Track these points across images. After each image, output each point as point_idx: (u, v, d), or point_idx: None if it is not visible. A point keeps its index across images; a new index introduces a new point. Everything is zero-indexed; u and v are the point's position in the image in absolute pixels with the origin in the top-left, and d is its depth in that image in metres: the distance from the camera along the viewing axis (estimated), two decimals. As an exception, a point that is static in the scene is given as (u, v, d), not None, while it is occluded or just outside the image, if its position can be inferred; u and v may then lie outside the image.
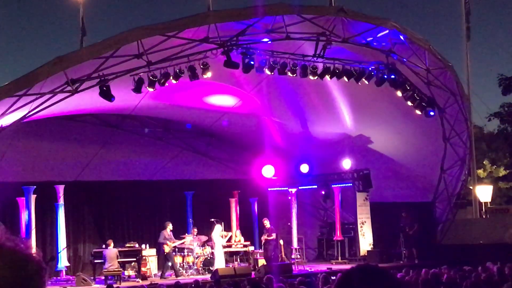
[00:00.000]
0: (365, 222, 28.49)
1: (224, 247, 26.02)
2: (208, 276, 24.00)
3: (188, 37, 19.65)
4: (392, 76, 23.57)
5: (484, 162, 39.99)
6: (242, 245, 27.30)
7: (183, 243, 25.69)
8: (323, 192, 30.69)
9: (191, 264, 25.57)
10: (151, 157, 29.20)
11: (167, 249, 24.97)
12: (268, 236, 26.09)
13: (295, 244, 28.76)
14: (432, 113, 25.00)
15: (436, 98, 25.41)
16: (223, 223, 26.50)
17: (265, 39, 21.34)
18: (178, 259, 25.47)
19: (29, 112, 19.46)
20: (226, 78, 23.03)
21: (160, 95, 23.63)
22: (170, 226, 25.37)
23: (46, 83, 18.49)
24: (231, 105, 26.67)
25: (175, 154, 29.85)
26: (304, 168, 30.20)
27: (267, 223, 26.48)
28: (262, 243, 26.49)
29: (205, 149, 30.81)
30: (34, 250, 2.33)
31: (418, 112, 24.73)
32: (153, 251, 26.14)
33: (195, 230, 26.08)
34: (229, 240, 26.97)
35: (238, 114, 27.61)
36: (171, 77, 20.29)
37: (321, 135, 29.13)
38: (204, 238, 26.09)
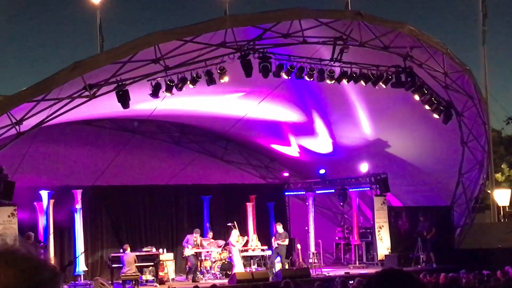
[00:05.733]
0: (382, 226, 28.36)
1: (241, 251, 25.97)
2: (225, 281, 24.01)
3: (205, 42, 19.68)
4: (410, 80, 23.50)
5: (502, 166, 39.81)
6: (259, 250, 27.16)
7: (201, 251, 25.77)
8: (340, 196, 30.60)
9: (208, 268, 25.57)
10: (168, 162, 29.28)
11: (186, 252, 25.13)
12: (281, 241, 25.86)
13: (312, 248, 28.69)
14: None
15: (454, 101, 25.31)
16: (237, 227, 26.40)
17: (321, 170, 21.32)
18: (195, 264, 25.53)
19: (47, 117, 19.54)
20: (243, 82, 23.02)
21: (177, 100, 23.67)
22: (196, 234, 25.42)
23: (64, 88, 18.58)
24: (248, 110, 26.75)
25: (192, 158, 29.91)
26: (322, 172, 30.13)
27: (280, 228, 26.32)
28: (274, 247, 26.25)
29: (222, 154, 30.89)
30: (49, 256, 2.34)
31: (436, 115, 24.65)
32: (171, 255, 26.16)
33: (211, 234, 26.13)
34: (246, 244, 26.89)
35: (254, 119, 27.65)
36: (188, 82, 20.31)
37: (339, 139, 29.11)
38: (221, 242, 26.08)
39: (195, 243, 25.26)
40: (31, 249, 2.30)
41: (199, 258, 25.57)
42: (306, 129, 28.84)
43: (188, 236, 25.60)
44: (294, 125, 28.69)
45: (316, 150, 30.17)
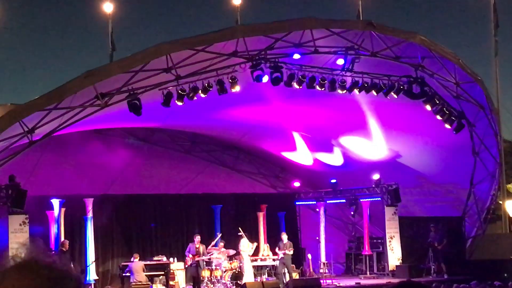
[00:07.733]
0: (393, 236, 28.25)
1: (252, 260, 25.78)
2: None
3: (216, 51, 19.71)
4: (421, 90, 23.44)
5: (513, 177, 39.54)
6: (271, 259, 26.95)
7: (209, 257, 25.53)
8: (351, 206, 30.49)
9: (219, 278, 25.44)
10: (179, 171, 29.29)
11: (188, 262, 25.03)
12: (288, 250, 25.61)
13: (323, 258, 28.58)
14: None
15: (465, 111, 25.22)
16: (246, 236, 26.21)
17: (296, 55, 21.21)
18: (206, 273, 25.29)
19: (59, 125, 19.59)
20: (254, 92, 23.01)
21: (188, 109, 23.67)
22: (197, 238, 25.22)
23: (76, 97, 18.63)
24: (259, 119, 26.74)
25: (203, 167, 29.93)
26: (332, 181, 30.07)
27: (284, 238, 26.10)
28: (279, 257, 26.00)
29: (233, 163, 30.88)
30: (72, 265, 2.33)
31: (447, 126, 24.56)
32: (181, 264, 26.11)
33: (223, 243, 26.00)
34: (256, 251, 26.68)
35: (265, 128, 27.63)
36: (200, 91, 20.32)
37: (350, 149, 29.07)
38: (232, 252, 25.97)
39: (196, 250, 25.07)
40: (56, 259, 2.29)
41: (210, 267, 25.30)
42: (324, 145, 28.88)
43: (190, 245, 25.41)
44: (310, 139, 28.72)
45: (329, 162, 30.14)
